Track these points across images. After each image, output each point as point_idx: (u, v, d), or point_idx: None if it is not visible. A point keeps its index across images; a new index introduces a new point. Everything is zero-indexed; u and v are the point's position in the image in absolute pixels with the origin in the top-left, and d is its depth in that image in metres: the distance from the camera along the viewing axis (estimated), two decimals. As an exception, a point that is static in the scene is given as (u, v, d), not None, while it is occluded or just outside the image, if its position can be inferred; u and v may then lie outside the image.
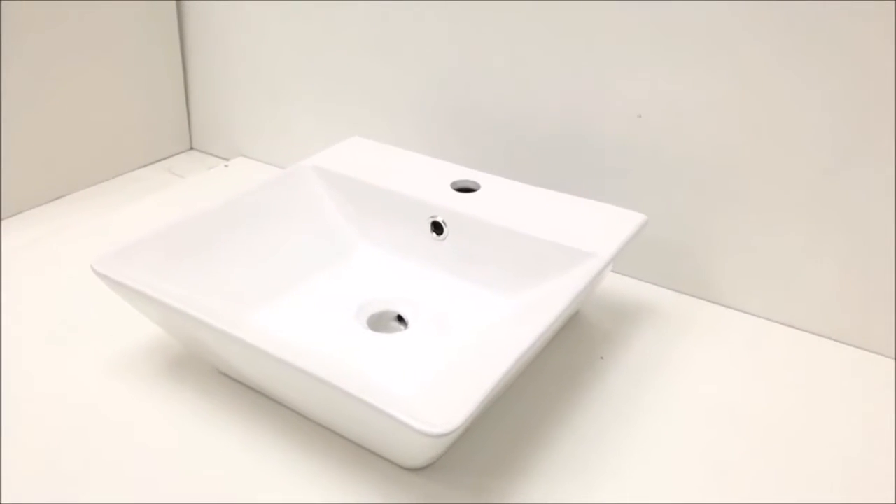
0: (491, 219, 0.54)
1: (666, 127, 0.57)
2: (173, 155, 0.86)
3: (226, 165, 0.82)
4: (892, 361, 0.54)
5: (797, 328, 0.57)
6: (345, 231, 0.60)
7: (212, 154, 0.86)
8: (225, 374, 0.51)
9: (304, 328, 0.52)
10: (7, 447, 0.45)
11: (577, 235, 0.52)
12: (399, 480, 0.44)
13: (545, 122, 0.62)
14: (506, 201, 0.56)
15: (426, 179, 0.59)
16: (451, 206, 0.56)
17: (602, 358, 0.54)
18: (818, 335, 0.56)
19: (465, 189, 0.58)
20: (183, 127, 0.86)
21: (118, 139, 0.79)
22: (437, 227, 0.56)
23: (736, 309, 0.59)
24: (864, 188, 0.51)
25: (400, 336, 0.52)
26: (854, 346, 0.55)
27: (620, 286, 0.62)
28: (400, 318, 0.54)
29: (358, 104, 0.72)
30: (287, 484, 0.43)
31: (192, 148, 0.88)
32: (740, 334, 0.57)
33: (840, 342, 0.56)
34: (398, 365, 0.49)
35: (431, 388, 0.44)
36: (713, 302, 0.60)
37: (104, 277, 0.47)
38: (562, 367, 0.53)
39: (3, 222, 0.70)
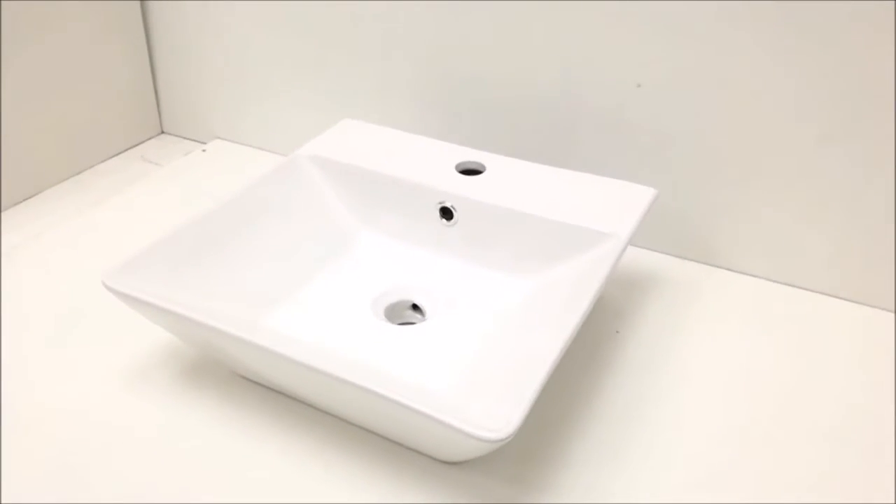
0: (501, 202, 0.54)
1: (665, 96, 0.57)
2: (144, 141, 0.82)
3: (203, 150, 0.79)
4: (892, 314, 0.56)
5: (802, 288, 0.58)
6: (350, 222, 0.58)
7: (185, 137, 0.83)
8: (244, 377, 0.50)
9: (324, 326, 0.51)
10: (25, 467, 0.44)
11: (590, 214, 0.52)
12: (438, 474, 0.44)
13: (542, 96, 0.61)
14: (514, 182, 0.55)
15: (429, 163, 0.58)
16: (460, 191, 0.55)
17: (618, 332, 0.55)
18: (822, 293, 0.58)
19: (471, 171, 0.57)
20: (152, 110, 0.83)
21: (84, 128, 0.75)
22: (447, 213, 0.55)
23: (742, 272, 0.60)
24: (859, 155, 0.53)
25: (420, 327, 0.51)
26: (855, 301, 0.57)
27: (625, 256, 0.62)
28: (415, 307, 0.54)
29: (342, 83, 0.70)
30: (329, 485, 0.43)
31: (162, 132, 0.84)
32: (749, 297, 0.58)
33: (842, 299, 0.57)
34: (425, 358, 0.48)
35: (472, 385, 0.44)
36: (719, 267, 0.61)
37: (117, 292, 0.45)
38: (580, 345, 0.53)
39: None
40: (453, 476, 0.44)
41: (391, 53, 0.66)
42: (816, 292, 0.58)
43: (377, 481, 0.44)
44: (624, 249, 0.49)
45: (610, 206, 0.53)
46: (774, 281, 0.59)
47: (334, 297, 0.53)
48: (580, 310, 0.43)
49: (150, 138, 0.83)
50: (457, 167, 0.57)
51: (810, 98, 0.52)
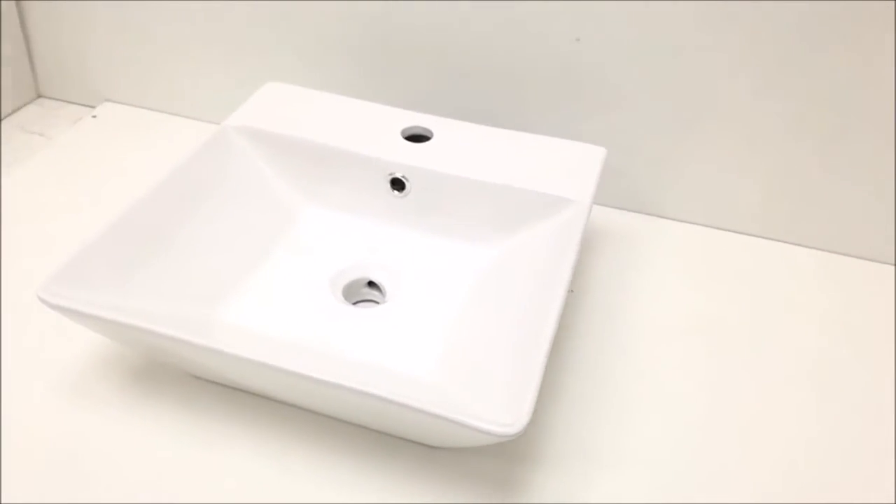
0: (455, 170, 0.52)
1: (605, 51, 0.56)
2: (20, 108, 0.73)
3: (94, 116, 0.71)
4: (818, 251, 0.60)
5: (736, 231, 0.61)
6: (294, 199, 0.55)
7: (67, 101, 0.74)
8: (197, 377, 0.47)
9: (285, 315, 0.48)
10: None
11: (546, 178, 0.51)
12: (423, 456, 0.43)
13: (480, 53, 0.59)
14: (464, 147, 0.53)
15: (372, 130, 0.55)
16: (410, 160, 0.52)
17: (573, 291, 0.55)
18: (752, 235, 0.61)
19: (417, 136, 0.55)
20: (24, 70, 0.73)
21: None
22: (398, 184, 0.53)
23: (680, 220, 0.62)
24: (786, 107, 0.55)
25: (387, 307, 0.49)
26: (787, 242, 0.60)
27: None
28: (372, 284, 0.52)
29: (257, 37, 0.64)
30: (312, 482, 0.42)
31: (39, 96, 0.75)
32: (690, 244, 0.60)
33: (773, 239, 0.61)
34: (399, 341, 0.47)
35: (463, 372, 0.43)
36: (660, 216, 0.62)
37: (57, 307, 0.40)
38: (540, 307, 0.53)
39: None
40: (439, 456, 0.43)
41: (311, 4, 0.61)
42: (748, 234, 0.61)
43: (364, 471, 0.43)
44: (589, 214, 0.49)
45: (564, 168, 0.52)
46: (713, 227, 0.61)
47: (289, 282, 0.50)
48: (562, 284, 0.43)
49: (25, 104, 0.74)
50: (402, 133, 0.55)
51: (747, 54, 0.54)
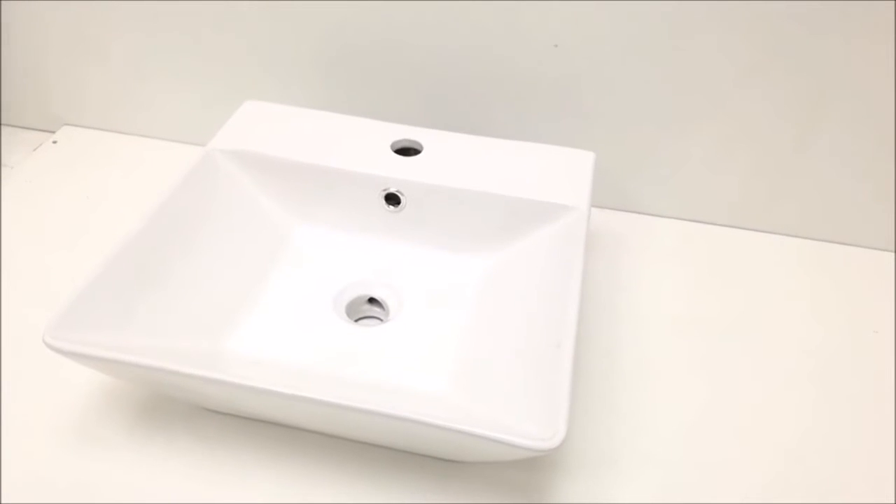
0: (449, 182, 0.52)
1: (582, 55, 0.57)
2: (-28, 136, 0.70)
3: (54, 142, 0.68)
4: (795, 239, 0.62)
5: (719, 224, 0.63)
6: (288, 220, 0.54)
7: (24, 127, 0.71)
8: (207, 409, 0.46)
9: (293, 340, 0.47)
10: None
11: (541, 186, 0.51)
12: (451, 470, 0.44)
13: (459, 61, 0.59)
14: (455, 158, 0.53)
15: (360, 145, 0.54)
16: (403, 175, 0.52)
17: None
18: (732, 227, 0.63)
19: (407, 150, 0.54)
20: (-26, 98, 0.70)
21: None
22: (394, 199, 0.53)
23: (658, 215, 0.63)
24: (762, 99, 0.56)
25: (394, 324, 0.49)
26: (761, 231, 0.63)
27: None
28: (373, 300, 0.52)
29: (217, 52, 0.63)
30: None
31: (-8, 123, 0.72)
32: (676, 238, 0.62)
33: (750, 230, 0.63)
34: (414, 358, 0.47)
35: (484, 386, 0.43)
36: (637, 212, 0.63)
37: (65, 352, 0.39)
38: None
39: None
40: (462, 468, 0.44)
41: (282, 16, 0.60)
42: (727, 226, 0.63)
43: (387, 488, 0.43)
44: (588, 220, 0.50)
45: (556, 174, 0.53)
46: (696, 221, 0.63)
47: (291, 305, 0.50)
48: (575, 290, 0.43)
49: (-22, 132, 0.70)
50: (392, 147, 0.54)
51: (722, 51, 0.55)
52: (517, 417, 0.39)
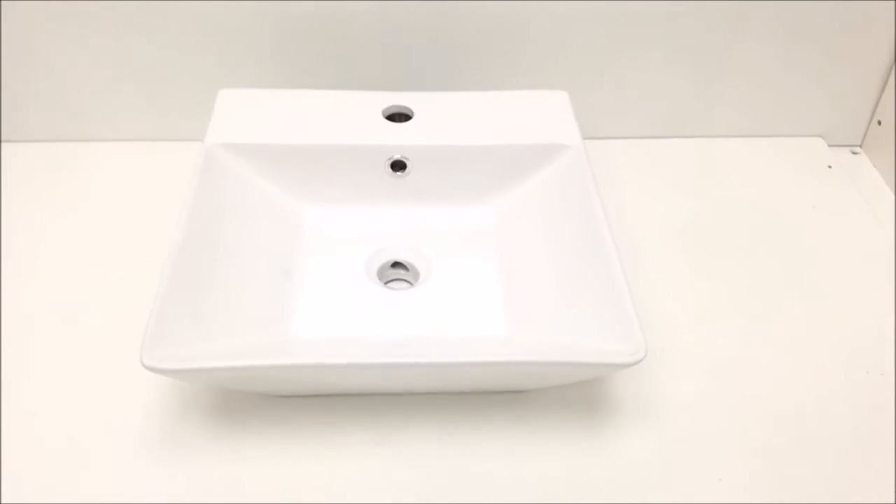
0: (449, 140, 0.55)
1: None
2: None
3: (-6, 162, 0.64)
4: (725, 139, 0.70)
5: (678, 136, 0.70)
6: (300, 203, 0.55)
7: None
8: (281, 396, 0.48)
9: (346, 314, 0.50)
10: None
11: (533, 129, 0.56)
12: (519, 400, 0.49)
13: (410, 15, 0.61)
14: (446, 117, 0.56)
15: (352, 118, 0.56)
16: (404, 141, 0.55)
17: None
18: (691, 137, 0.70)
19: (397, 115, 0.57)
20: None
21: None
22: (399, 166, 0.55)
23: (610, 137, 0.69)
24: (704, 18, 0.63)
25: (429, 281, 0.52)
26: (726, 136, 0.70)
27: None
28: (396, 265, 0.54)
29: (170, 41, 0.61)
30: (435, 455, 0.45)
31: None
32: (640, 155, 0.68)
33: (711, 136, 0.70)
34: (461, 310, 0.50)
35: (545, 319, 0.48)
36: (603, 137, 0.69)
37: (167, 371, 0.40)
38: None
39: None
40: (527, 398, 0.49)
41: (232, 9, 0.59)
42: (691, 137, 0.70)
43: (478, 426, 0.47)
44: (586, 152, 0.54)
45: (541, 117, 0.57)
46: (656, 137, 0.69)
47: (330, 282, 0.51)
48: (600, 216, 0.48)
49: None
50: (384, 114, 0.56)
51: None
52: (590, 339, 0.44)
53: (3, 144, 0.65)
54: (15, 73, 0.62)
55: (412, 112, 0.57)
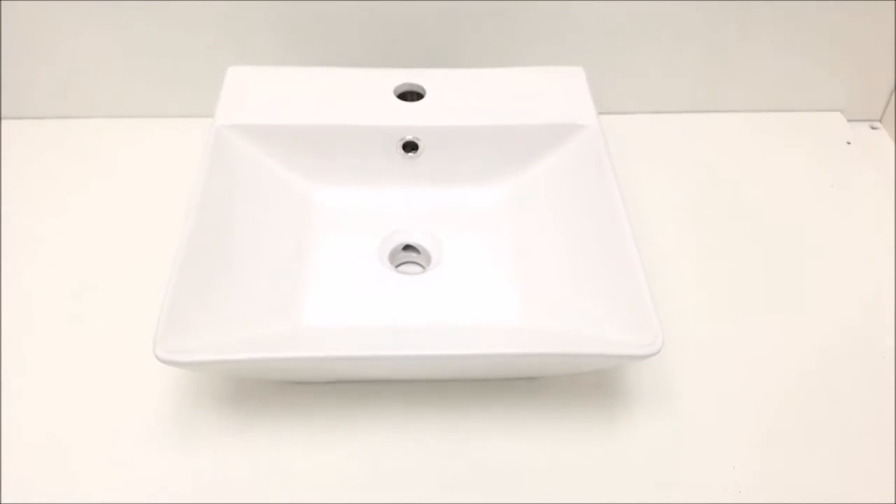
0: (462, 121, 0.54)
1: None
2: None
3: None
4: (742, 114, 0.69)
5: (678, 112, 0.69)
6: (310, 186, 0.54)
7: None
8: (295, 382, 0.48)
9: (362, 301, 0.49)
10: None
11: (549, 108, 0.54)
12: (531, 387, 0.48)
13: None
14: (458, 95, 0.55)
15: (363, 97, 0.54)
16: (415, 121, 0.53)
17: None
18: (689, 112, 0.69)
19: (409, 94, 0.55)
20: None
21: None
22: (411, 146, 0.54)
23: (624, 113, 0.68)
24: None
25: (442, 265, 0.51)
26: (720, 111, 0.69)
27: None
28: (407, 247, 0.54)
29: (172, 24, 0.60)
30: (446, 441, 0.45)
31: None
32: (646, 132, 0.66)
33: (708, 112, 0.69)
34: (475, 296, 0.50)
35: (559, 307, 0.47)
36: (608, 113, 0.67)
37: (180, 364, 0.40)
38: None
39: None
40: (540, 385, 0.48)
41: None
42: (689, 112, 0.68)
43: (494, 412, 0.47)
44: (602, 133, 0.53)
45: (556, 94, 0.55)
46: (657, 112, 0.68)
47: (342, 267, 0.51)
48: (617, 202, 0.47)
49: None
50: (395, 93, 0.55)
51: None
52: (606, 329, 0.43)
53: (3, 122, 0.64)
54: (18, 48, 0.61)
55: (424, 90, 0.55)
